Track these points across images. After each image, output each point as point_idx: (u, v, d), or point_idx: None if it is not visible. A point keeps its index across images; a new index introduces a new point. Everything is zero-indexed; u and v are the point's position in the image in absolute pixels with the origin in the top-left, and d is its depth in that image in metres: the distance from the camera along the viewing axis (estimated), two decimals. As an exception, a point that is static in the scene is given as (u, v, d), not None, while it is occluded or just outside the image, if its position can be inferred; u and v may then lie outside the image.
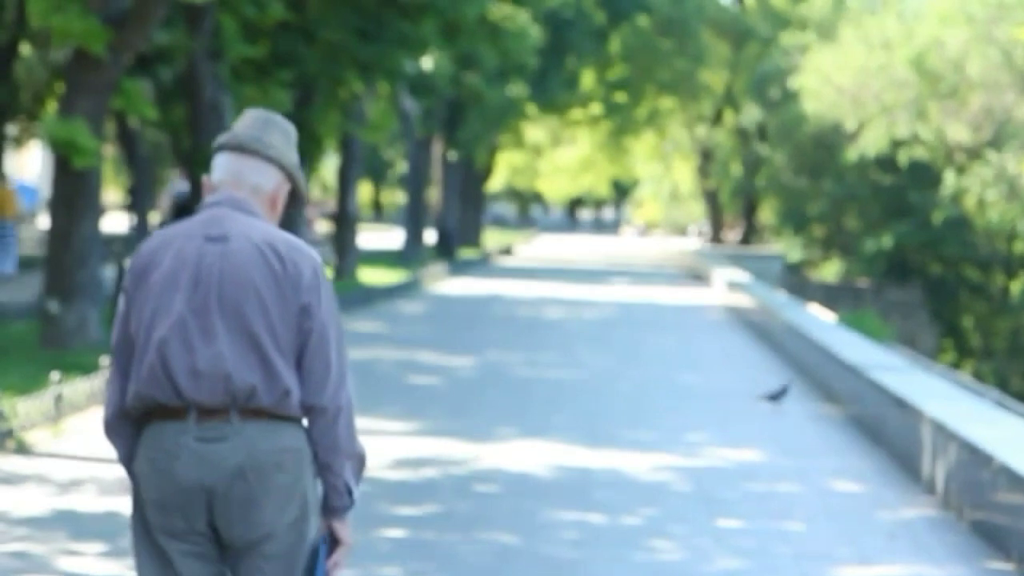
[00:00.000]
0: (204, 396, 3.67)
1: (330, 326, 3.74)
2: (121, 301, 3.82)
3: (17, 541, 7.43)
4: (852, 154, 46.60)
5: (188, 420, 3.68)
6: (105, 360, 12.26)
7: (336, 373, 3.73)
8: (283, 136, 3.88)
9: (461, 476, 9.66)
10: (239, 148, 3.85)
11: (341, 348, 3.77)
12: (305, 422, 3.78)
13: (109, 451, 10.35)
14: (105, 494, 8.62)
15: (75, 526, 7.81)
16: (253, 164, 3.84)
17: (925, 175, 46.36)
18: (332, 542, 3.79)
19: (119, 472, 9.19)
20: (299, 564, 3.71)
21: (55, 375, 10.99)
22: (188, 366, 3.67)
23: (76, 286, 15.02)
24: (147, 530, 3.75)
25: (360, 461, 3.81)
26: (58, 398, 10.83)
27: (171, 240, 3.77)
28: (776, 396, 13.74)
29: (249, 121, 3.89)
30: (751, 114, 56.71)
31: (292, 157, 3.88)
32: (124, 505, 8.35)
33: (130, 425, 3.82)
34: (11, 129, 32.21)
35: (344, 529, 3.80)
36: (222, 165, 3.87)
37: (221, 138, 3.90)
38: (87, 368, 12.61)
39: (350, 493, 3.79)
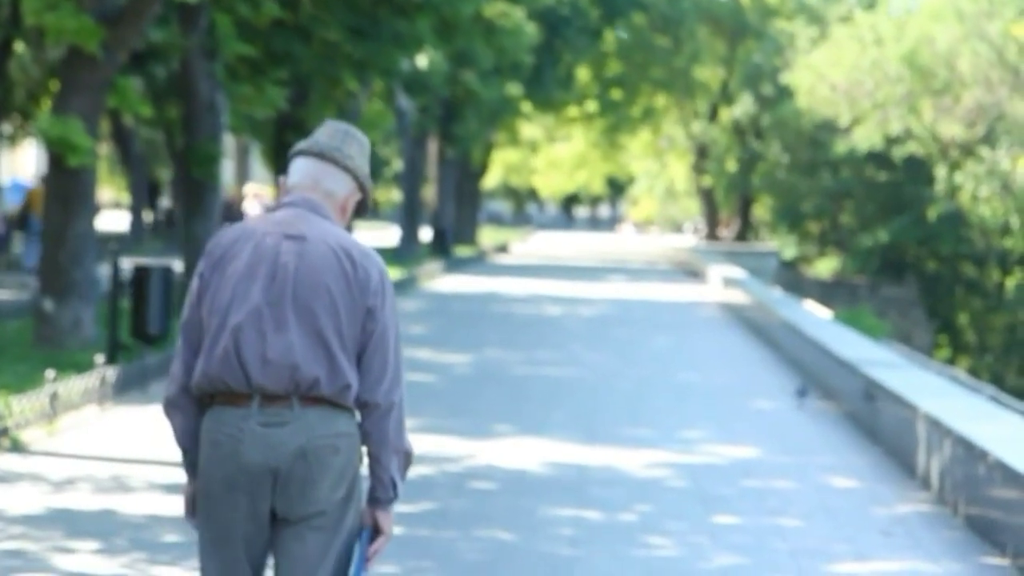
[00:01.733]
0: (270, 383, 3.90)
1: (391, 329, 4.01)
2: (194, 283, 4.02)
3: (12, 539, 7.43)
4: (842, 147, 46.62)
5: (251, 406, 3.92)
6: (99, 358, 12.26)
7: (392, 372, 4.00)
8: (360, 148, 4.14)
9: (458, 473, 9.66)
10: (319, 155, 4.09)
11: (398, 350, 4.04)
12: (358, 415, 4.02)
13: (104, 449, 10.29)
14: (100, 492, 8.62)
15: (70, 524, 7.80)
16: (330, 171, 4.08)
17: (919, 171, 46.40)
18: (374, 531, 4.03)
19: (113, 470, 9.21)
20: (340, 538, 3.97)
21: (50, 373, 10.98)
22: (259, 353, 3.91)
23: (71, 285, 15.00)
24: (210, 506, 3.96)
25: (407, 458, 4.05)
26: (53, 396, 10.82)
27: (250, 233, 4.00)
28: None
29: (330, 131, 4.13)
30: (744, 105, 56.72)
31: (366, 168, 4.14)
32: (119, 503, 8.35)
33: (192, 402, 4.03)
34: (6, 127, 32.18)
35: (387, 520, 4.04)
36: (300, 169, 4.10)
37: (301, 144, 4.13)
38: (82, 367, 12.60)
39: (395, 486, 4.02)
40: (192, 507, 4.09)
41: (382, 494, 4.02)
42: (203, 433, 3.97)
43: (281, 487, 3.91)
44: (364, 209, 4.26)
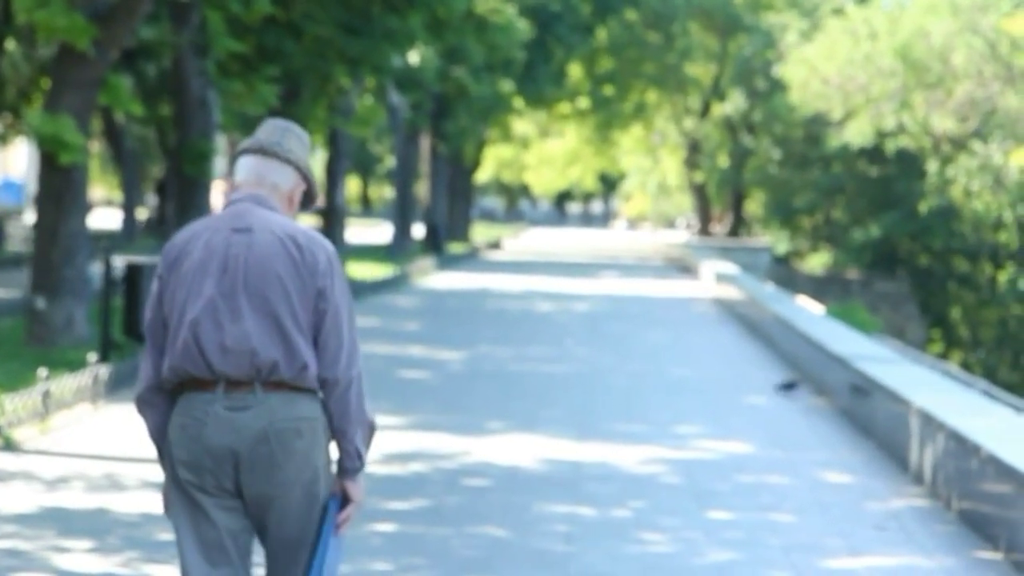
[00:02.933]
0: (231, 369, 4.11)
1: (343, 307, 4.20)
2: (154, 285, 4.25)
3: (5, 538, 7.42)
4: (835, 140, 46.63)
5: (217, 391, 4.12)
6: (92, 356, 12.24)
7: (348, 349, 4.18)
8: (299, 142, 4.36)
9: (451, 470, 9.65)
10: (261, 151, 4.32)
11: (352, 327, 4.23)
12: (321, 394, 4.22)
13: (97, 448, 10.30)
14: (93, 491, 8.61)
15: (63, 523, 7.79)
16: (273, 166, 4.31)
17: (912, 166, 46.42)
18: (344, 500, 4.25)
19: (106, 468, 9.20)
20: (311, 518, 4.17)
21: (42, 372, 10.97)
22: (218, 343, 4.11)
23: (63, 282, 14.99)
24: (181, 488, 4.16)
25: (370, 428, 4.28)
26: (45, 395, 10.80)
27: (201, 232, 4.22)
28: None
29: (270, 128, 4.37)
30: (736, 100, 56.74)
31: (307, 160, 4.37)
32: (112, 502, 8.34)
33: (163, 398, 4.24)
34: (-3, 126, 32.11)
35: (355, 488, 4.25)
36: (245, 166, 4.33)
37: (244, 143, 4.36)
38: (74, 365, 12.58)
39: (360, 456, 4.25)
40: (168, 501, 4.25)
41: (348, 464, 4.23)
42: (172, 419, 4.17)
43: (245, 469, 4.10)
44: (311, 199, 4.40)
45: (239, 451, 4.10)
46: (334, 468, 4.27)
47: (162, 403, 4.23)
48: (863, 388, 12.08)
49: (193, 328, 4.11)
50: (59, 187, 15.05)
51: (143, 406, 4.25)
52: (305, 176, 4.36)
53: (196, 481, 4.12)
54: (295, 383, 4.13)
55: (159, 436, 4.25)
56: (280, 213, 4.27)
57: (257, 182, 4.30)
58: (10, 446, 9.97)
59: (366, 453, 4.28)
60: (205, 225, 4.24)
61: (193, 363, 4.12)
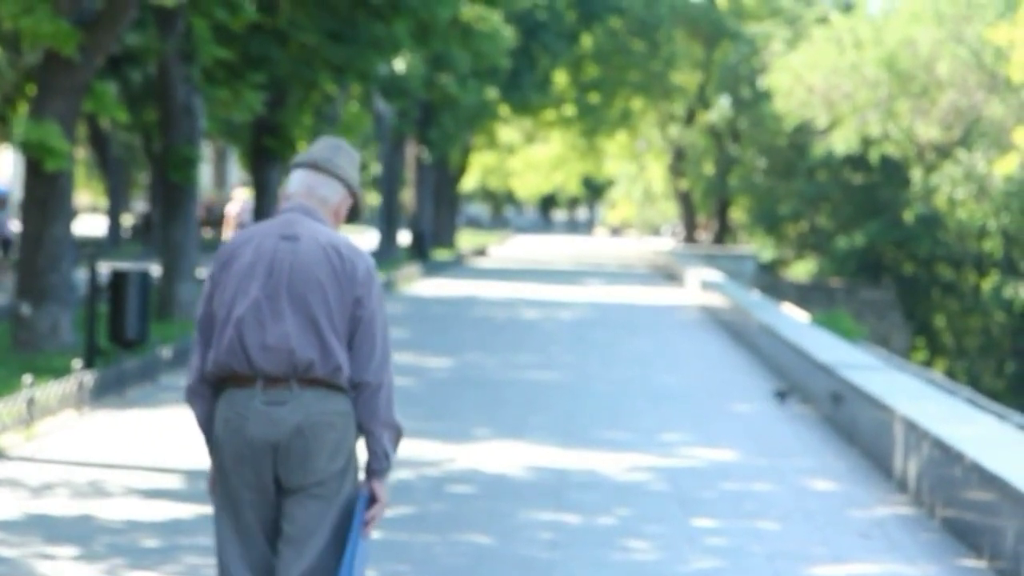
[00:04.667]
0: (270, 366, 4.42)
1: (377, 315, 4.52)
2: (206, 284, 4.56)
3: (-10, 546, 7.40)
4: (820, 149, 46.72)
5: (256, 387, 4.43)
6: (77, 363, 12.22)
7: (380, 354, 4.50)
8: (349, 159, 4.68)
9: (436, 477, 9.66)
10: (313, 166, 4.63)
11: (385, 334, 4.54)
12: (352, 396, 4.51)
13: (82, 454, 10.28)
14: (78, 497, 8.60)
15: (48, 530, 7.78)
16: (324, 180, 4.63)
17: (896, 174, 46.55)
18: (371, 499, 4.52)
19: (91, 475, 9.19)
20: (339, 505, 4.46)
21: (27, 378, 10.95)
22: (260, 341, 4.43)
23: (48, 289, 14.97)
24: (224, 477, 4.48)
25: (397, 431, 4.56)
26: (30, 401, 10.78)
27: (253, 236, 4.55)
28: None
29: (322, 145, 4.68)
30: (721, 109, 56.85)
31: (356, 177, 4.69)
32: (97, 508, 8.33)
33: (209, 389, 4.56)
34: (-19, 132, 32.01)
35: (381, 488, 4.54)
36: (297, 179, 4.64)
37: (298, 158, 4.67)
38: (60, 371, 12.56)
39: (387, 457, 4.53)
40: (214, 484, 4.57)
41: (376, 465, 4.52)
42: (217, 413, 4.51)
43: (282, 459, 4.41)
44: (357, 213, 4.71)
45: (278, 442, 4.40)
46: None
47: (209, 393, 4.55)
48: (840, 395, 12.12)
49: (238, 326, 4.43)
50: (44, 194, 15.03)
51: (192, 396, 4.56)
52: (353, 191, 4.67)
53: (237, 471, 4.44)
54: (328, 381, 4.43)
55: (207, 424, 4.57)
56: (327, 224, 4.57)
57: (307, 194, 4.60)
58: (-5, 453, 9.94)
59: (393, 455, 4.54)
60: (257, 230, 4.56)
61: (236, 359, 4.43)
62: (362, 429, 4.51)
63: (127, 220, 49.24)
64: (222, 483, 4.51)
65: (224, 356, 4.45)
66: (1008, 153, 41.10)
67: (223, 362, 4.46)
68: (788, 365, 15.79)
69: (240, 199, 27.66)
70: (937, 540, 8.31)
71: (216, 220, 52.55)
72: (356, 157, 4.70)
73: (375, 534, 7.96)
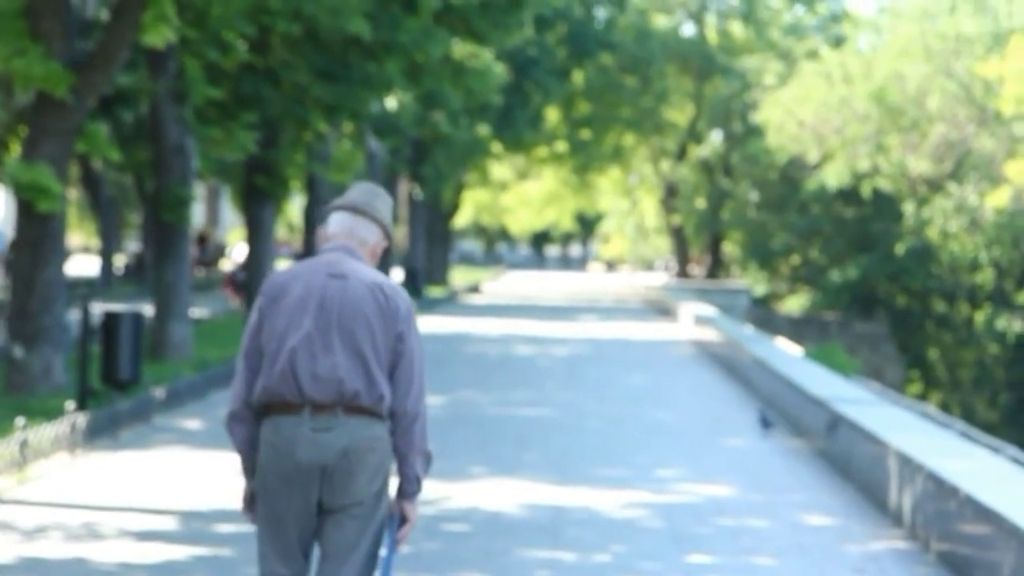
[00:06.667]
0: (319, 395, 4.76)
1: (416, 350, 4.90)
2: (253, 316, 4.88)
3: (-17, 590, 7.37)
4: (812, 183, 46.81)
5: (303, 414, 4.75)
6: (70, 405, 12.20)
7: (417, 386, 4.88)
8: (385, 204, 5.06)
9: (431, 516, 9.63)
10: (353, 209, 5.01)
11: (421, 368, 4.91)
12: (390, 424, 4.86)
13: (75, 497, 10.22)
14: (71, 540, 8.56)
15: (42, 573, 7.75)
16: (362, 223, 5.01)
17: (888, 208, 46.63)
18: (402, 519, 4.88)
19: (85, 517, 9.15)
20: (373, 525, 4.80)
21: (20, 421, 10.92)
22: (311, 371, 4.77)
23: (41, 331, 14.93)
24: (268, 496, 4.78)
25: (428, 458, 4.90)
26: (23, 444, 10.75)
27: (300, 274, 4.90)
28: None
29: (361, 190, 5.06)
30: (712, 144, 56.97)
31: (390, 221, 5.06)
32: (90, 551, 8.29)
33: (252, 415, 4.86)
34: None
35: (412, 510, 4.91)
36: (337, 221, 5.02)
37: (337, 201, 5.04)
38: (52, 413, 12.53)
39: (419, 481, 4.89)
40: (249, 503, 4.90)
41: (408, 488, 4.89)
42: (263, 437, 4.81)
43: (327, 481, 4.75)
44: (389, 253, 4.83)
45: (326, 465, 4.74)
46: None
47: (252, 419, 4.86)
48: (835, 423, 12.11)
49: (291, 356, 4.77)
50: (36, 235, 15.02)
51: (234, 422, 4.88)
52: (388, 234, 5.05)
53: (284, 492, 4.75)
54: (371, 409, 4.78)
55: (247, 448, 4.88)
56: (366, 263, 4.96)
57: (347, 235, 4.98)
58: (-13, 496, 9.90)
59: (424, 479, 4.91)
60: (303, 268, 4.90)
61: (287, 386, 4.76)
62: (397, 454, 4.84)
63: (120, 260, 49.22)
64: (266, 504, 4.79)
65: (275, 384, 4.76)
66: (999, 186, 41.23)
67: (274, 389, 4.77)
68: (782, 399, 15.78)
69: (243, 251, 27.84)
70: (932, 574, 8.29)
71: (210, 260, 52.59)
72: (390, 202, 5.07)
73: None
